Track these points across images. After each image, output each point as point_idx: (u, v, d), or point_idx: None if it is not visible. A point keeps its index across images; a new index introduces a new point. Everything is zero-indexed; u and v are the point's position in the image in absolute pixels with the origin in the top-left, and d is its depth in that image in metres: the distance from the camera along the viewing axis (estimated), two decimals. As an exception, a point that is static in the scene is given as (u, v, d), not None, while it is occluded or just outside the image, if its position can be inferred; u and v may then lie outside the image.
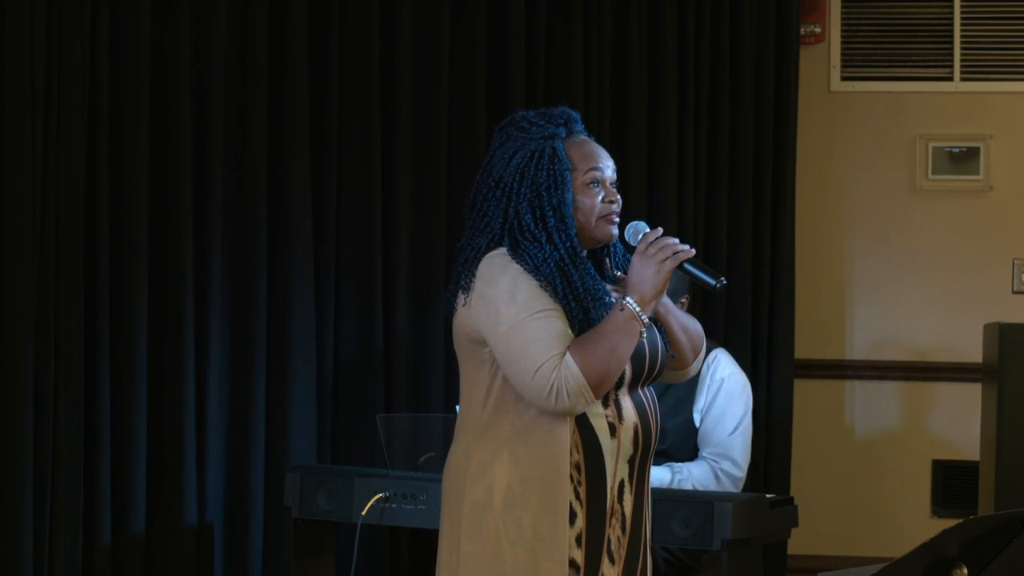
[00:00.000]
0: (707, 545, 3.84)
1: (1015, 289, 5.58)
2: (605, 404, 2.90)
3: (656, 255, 2.88)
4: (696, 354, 3.08)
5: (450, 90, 5.13)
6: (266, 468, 4.88)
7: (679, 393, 4.32)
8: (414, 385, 5.07)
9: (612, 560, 2.92)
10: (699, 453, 4.40)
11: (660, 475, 4.24)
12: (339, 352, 5.03)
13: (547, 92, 5.20)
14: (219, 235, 4.84)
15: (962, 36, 5.60)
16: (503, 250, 2.89)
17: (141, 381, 4.71)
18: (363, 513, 4.23)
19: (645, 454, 2.96)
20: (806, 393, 5.55)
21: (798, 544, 5.05)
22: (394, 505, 4.22)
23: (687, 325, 3.06)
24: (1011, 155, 5.61)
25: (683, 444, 4.38)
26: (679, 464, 4.34)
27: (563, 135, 2.97)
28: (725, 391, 4.40)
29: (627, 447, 2.91)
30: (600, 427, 2.89)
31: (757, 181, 5.38)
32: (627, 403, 2.92)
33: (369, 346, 5.00)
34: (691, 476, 4.31)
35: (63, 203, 4.58)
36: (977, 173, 5.60)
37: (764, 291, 5.37)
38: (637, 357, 2.91)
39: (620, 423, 2.91)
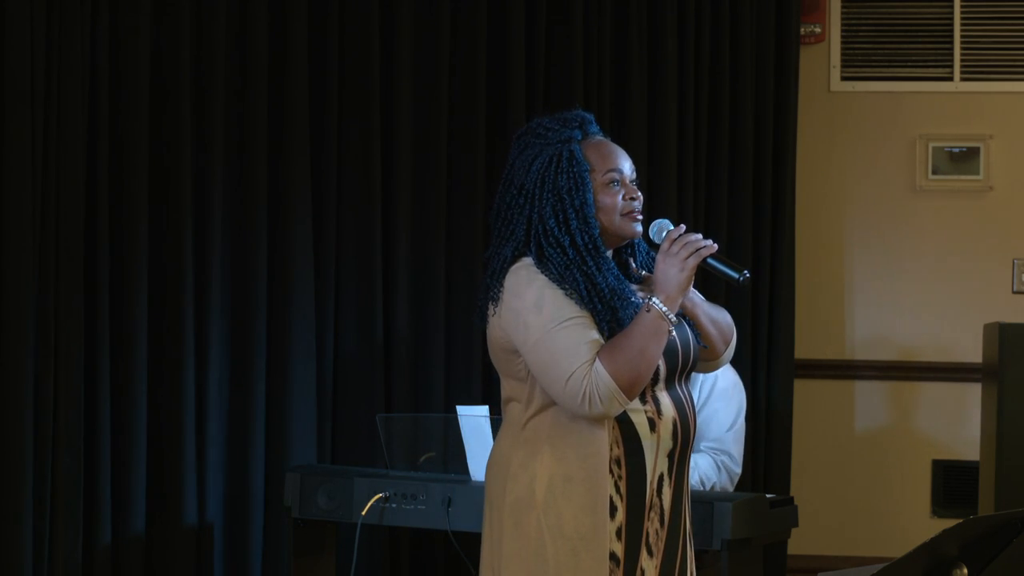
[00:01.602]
0: (707, 545, 3.84)
1: (1015, 289, 5.58)
2: (643, 400, 2.94)
3: (679, 253, 2.91)
4: (727, 344, 3.13)
5: (450, 90, 5.13)
6: (266, 468, 4.88)
7: None
8: (414, 385, 5.07)
9: (651, 553, 2.96)
10: (697, 447, 4.40)
11: None
12: (339, 352, 5.03)
13: (547, 92, 5.20)
14: (219, 235, 4.84)
15: (962, 36, 5.59)
16: (528, 260, 2.95)
17: (141, 381, 4.71)
18: (363, 513, 4.23)
19: (684, 448, 3.00)
20: (806, 393, 5.55)
21: (798, 544, 5.05)
22: (394, 505, 4.22)
23: (716, 317, 3.10)
24: (1011, 155, 5.61)
25: None
26: None
27: (579, 137, 3.02)
28: (718, 388, 4.42)
29: (667, 441, 2.96)
30: (640, 423, 2.94)
31: (757, 181, 5.37)
32: (665, 398, 2.97)
33: (369, 346, 5.00)
34: (698, 467, 4.33)
35: (63, 203, 4.58)
36: (977, 173, 5.60)
37: (764, 291, 5.37)
38: (670, 353, 2.96)
39: (659, 418, 2.95)
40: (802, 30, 5.54)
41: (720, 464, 4.37)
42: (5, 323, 4.50)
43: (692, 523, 3.10)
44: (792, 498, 4.30)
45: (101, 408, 4.65)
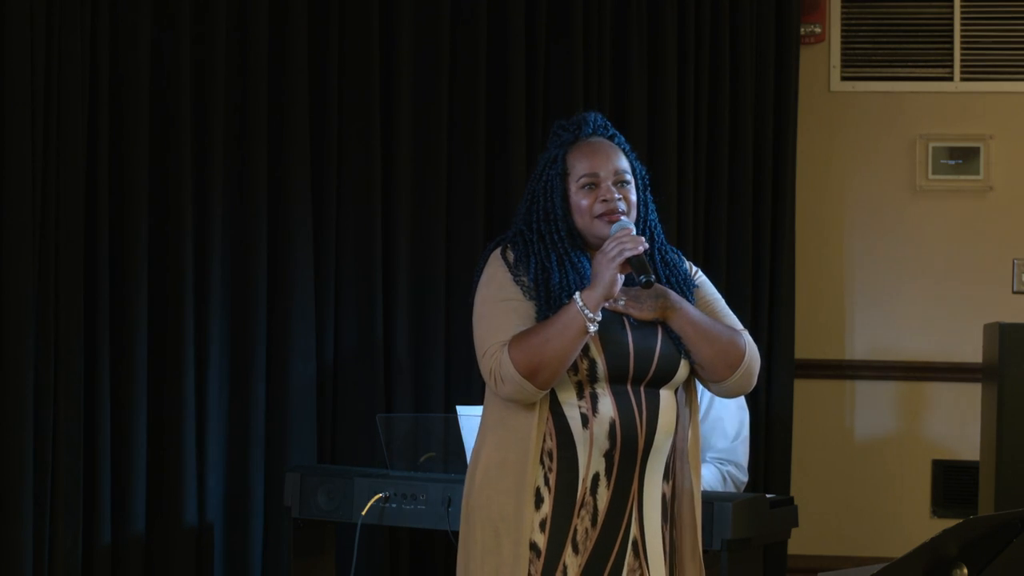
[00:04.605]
0: (707, 545, 3.83)
1: (1015, 289, 5.58)
2: (580, 396, 2.98)
3: (610, 251, 2.94)
4: (732, 369, 3.04)
5: (450, 91, 5.13)
6: (266, 468, 4.88)
7: None
8: (414, 385, 5.07)
9: (576, 550, 2.97)
10: (703, 458, 4.39)
11: None
12: (339, 352, 5.03)
13: (547, 92, 5.20)
14: (219, 235, 4.84)
15: (962, 36, 5.59)
16: (498, 249, 3.07)
17: (141, 381, 4.71)
18: (363, 513, 4.23)
19: (628, 452, 2.98)
20: (806, 393, 5.54)
21: (798, 544, 5.05)
22: (394, 505, 4.22)
23: (716, 336, 3.04)
24: (1011, 155, 5.61)
25: None
26: None
27: (570, 141, 3.09)
28: (718, 398, 4.40)
29: (601, 440, 2.96)
30: (572, 416, 2.97)
31: (757, 181, 5.37)
32: (606, 398, 2.97)
33: (369, 346, 5.00)
34: (705, 480, 4.31)
35: (63, 203, 4.58)
36: (977, 173, 5.60)
37: (764, 291, 5.36)
38: (616, 355, 2.97)
39: (594, 416, 2.97)
40: (802, 30, 5.54)
41: (725, 474, 4.36)
42: (5, 323, 4.50)
43: (668, 536, 3.07)
44: (792, 498, 4.30)
45: (101, 408, 4.65)
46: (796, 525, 4.19)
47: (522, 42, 5.15)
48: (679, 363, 3.03)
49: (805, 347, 5.52)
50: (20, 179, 4.50)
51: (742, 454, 4.41)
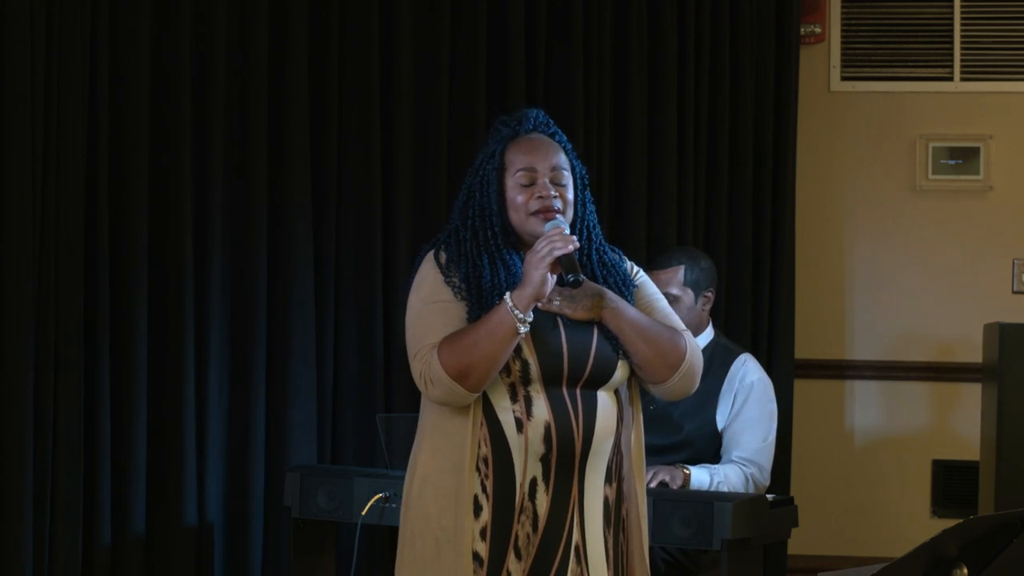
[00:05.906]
0: (707, 545, 3.84)
1: (1015, 289, 5.58)
2: (513, 399, 2.93)
3: (540, 251, 2.90)
4: (673, 370, 2.99)
5: (450, 91, 5.13)
6: (266, 468, 4.88)
7: (699, 396, 4.00)
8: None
9: (519, 556, 2.94)
10: (728, 456, 4.38)
11: (699, 477, 4.25)
12: (339, 352, 5.03)
13: (547, 92, 5.20)
14: (219, 235, 4.85)
15: (962, 36, 5.59)
16: (432, 251, 3.04)
17: (141, 381, 4.71)
18: (363, 513, 4.23)
19: (565, 456, 2.94)
20: (806, 393, 5.54)
21: (798, 544, 5.05)
22: (394, 505, 4.21)
23: (655, 336, 3.00)
24: (1011, 155, 5.61)
25: (704, 447, 4.37)
26: (716, 467, 4.33)
27: (509, 137, 3.06)
28: (755, 398, 4.38)
29: (536, 444, 2.92)
30: (507, 421, 2.93)
31: (757, 181, 5.37)
32: (540, 401, 2.93)
33: (369, 346, 5.00)
34: (727, 480, 4.29)
35: (63, 203, 4.58)
36: (977, 173, 5.60)
37: (764, 291, 5.36)
38: (549, 355, 2.93)
39: (528, 420, 2.92)
40: (802, 30, 5.53)
41: (748, 476, 4.34)
42: (5, 323, 4.50)
43: (613, 540, 3.02)
44: (792, 498, 4.29)
45: (101, 408, 4.65)
46: (796, 525, 4.19)
47: (522, 42, 5.15)
48: (616, 364, 2.98)
49: (805, 347, 5.52)
50: (20, 179, 4.50)
51: (768, 458, 4.40)
